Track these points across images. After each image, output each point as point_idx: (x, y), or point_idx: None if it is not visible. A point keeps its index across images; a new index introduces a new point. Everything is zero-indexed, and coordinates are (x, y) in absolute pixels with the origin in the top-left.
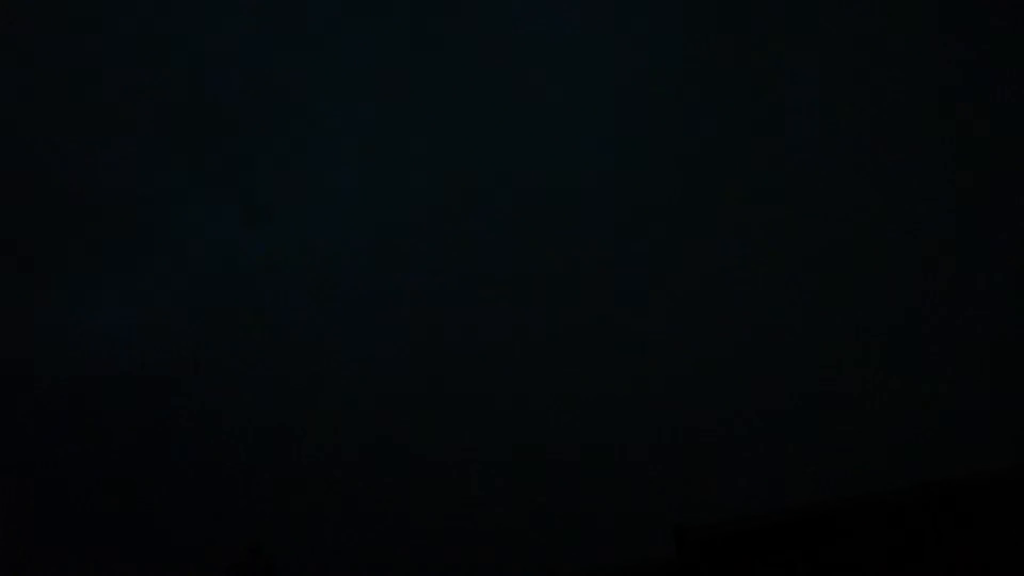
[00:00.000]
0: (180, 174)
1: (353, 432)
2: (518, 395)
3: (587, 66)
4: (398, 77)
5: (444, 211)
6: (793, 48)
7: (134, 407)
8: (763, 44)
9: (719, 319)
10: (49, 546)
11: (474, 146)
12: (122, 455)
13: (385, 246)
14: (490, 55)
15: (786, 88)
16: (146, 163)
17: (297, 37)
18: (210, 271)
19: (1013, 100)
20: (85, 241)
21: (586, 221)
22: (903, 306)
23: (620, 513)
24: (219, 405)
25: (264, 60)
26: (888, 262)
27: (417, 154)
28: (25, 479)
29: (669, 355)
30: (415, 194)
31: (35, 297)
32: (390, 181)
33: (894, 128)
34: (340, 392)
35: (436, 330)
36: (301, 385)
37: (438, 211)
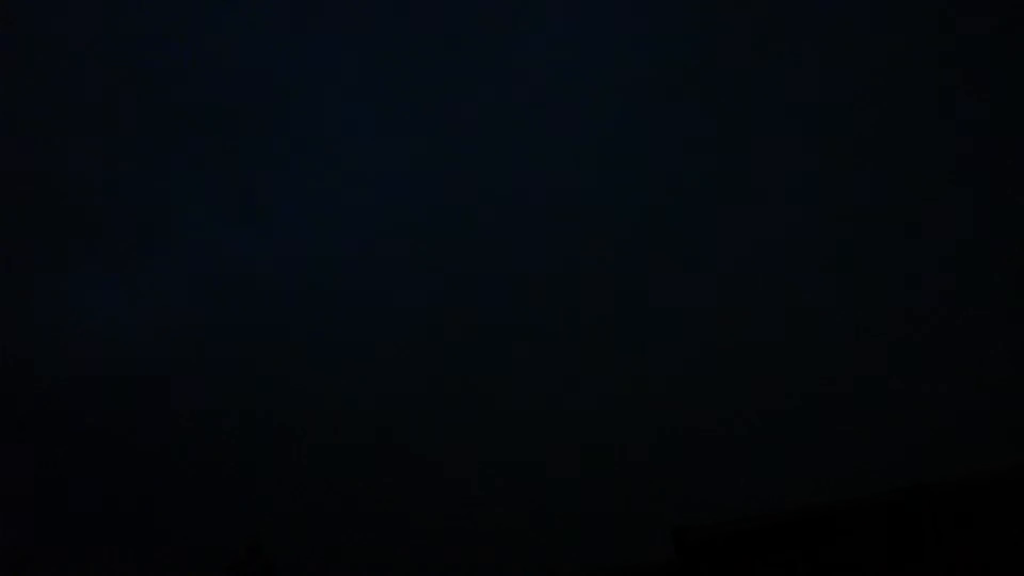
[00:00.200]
0: (180, 174)
1: (353, 431)
2: (518, 396)
3: (587, 67)
4: (398, 78)
5: (444, 211)
6: (793, 49)
7: (133, 405)
8: (763, 45)
9: (719, 319)
10: (49, 544)
11: (474, 146)
12: (121, 454)
13: (384, 246)
14: (490, 55)
15: (786, 90)
16: (146, 164)
17: (297, 38)
18: (209, 270)
19: (1013, 102)
20: (85, 240)
21: (586, 222)
22: (903, 307)
23: (619, 514)
24: (218, 404)
25: (265, 61)
26: (888, 263)
27: (417, 155)
28: (25, 476)
29: (669, 355)
30: (415, 194)
31: (35, 296)
32: (390, 182)
33: (894, 129)
34: (340, 391)
35: (436, 330)
36: (300, 384)
37: (438, 211)
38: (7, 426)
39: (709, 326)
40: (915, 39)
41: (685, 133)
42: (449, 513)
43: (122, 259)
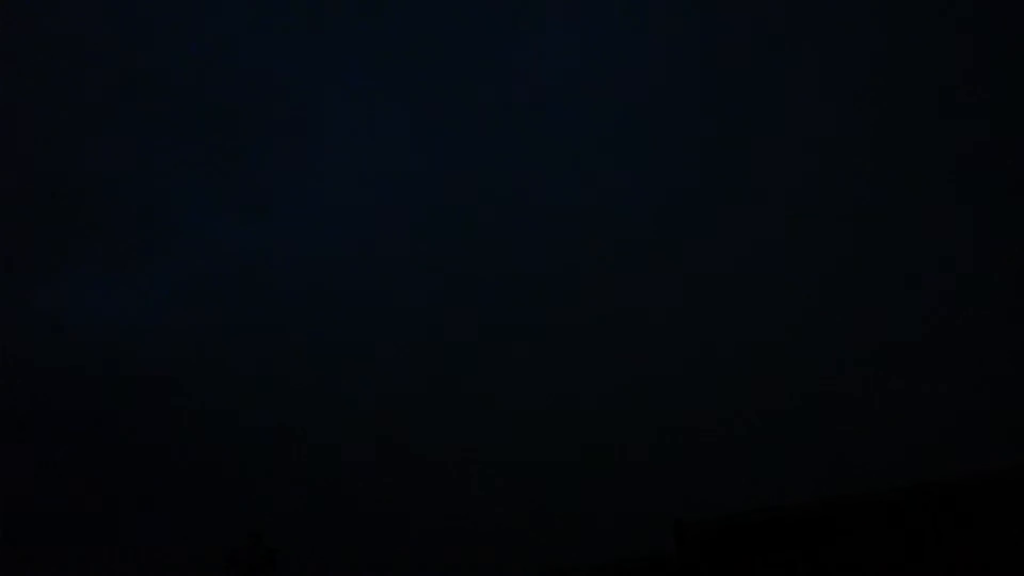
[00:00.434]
0: (181, 169)
1: (354, 426)
2: (519, 394)
3: (587, 67)
4: (399, 76)
5: (445, 209)
6: (794, 52)
7: (134, 400)
8: (764, 48)
9: (720, 319)
10: (51, 535)
11: (475, 145)
12: (123, 447)
13: (385, 244)
14: (492, 55)
15: (786, 92)
16: (148, 162)
17: (298, 34)
18: (210, 268)
19: (1012, 104)
20: (85, 238)
21: (586, 221)
22: (903, 307)
23: (620, 509)
24: (219, 398)
25: (267, 60)
26: (888, 263)
27: (419, 152)
28: (26, 470)
29: (670, 355)
30: (416, 191)
31: (36, 293)
32: (391, 180)
33: (893, 131)
34: (341, 386)
35: (436, 328)
36: (301, 379)
37: (439, 209)
38: (9, 421)
39: (710, 326)
40: (915, 40)
41: (684, 135)
42: (450, 508)
43: (123, 257)
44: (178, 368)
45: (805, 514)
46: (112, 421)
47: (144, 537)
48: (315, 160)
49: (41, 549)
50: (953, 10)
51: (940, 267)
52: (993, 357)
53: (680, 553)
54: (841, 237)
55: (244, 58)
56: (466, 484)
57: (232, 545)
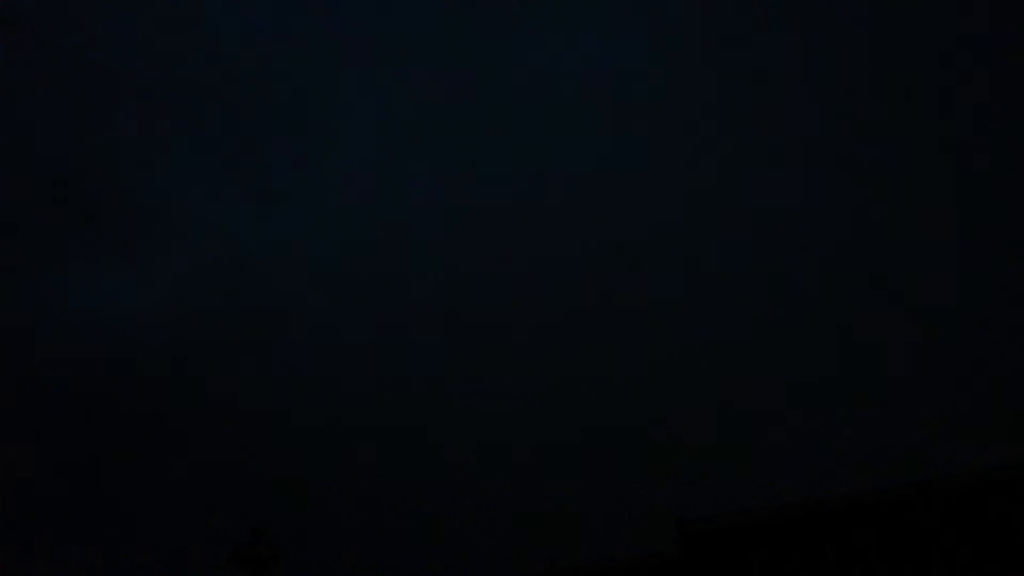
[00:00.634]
0: (186, 160)
1: (358, 419)
2: (519, 394)
3: (587, 68)
4: (406, 68)
5: (450, 205)
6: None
7: (135, 392)
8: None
9: (721, 319)
10: (51, 531)
11: (478, 144)
12: (125, 439)
13: (392, 235)
14: (495, 55)
15: (786, 94)
16: (151, 149)
17: (307, 22)
18: (214, 258)
19: (1012, 108)
20: (87, 227)
21: (587, 221)
22: (903, 307)
23: (622, 509)
24: (223, 390)
25: (275, 45)
26: (888, 263)
27: (427, 145)
28: (27, 463)
29: (671, 354)
30: (423, 184)
31: (37, 281)
32: (395, 169)
33: (892, 132)
34: (344, 379)
35: (438, 325)
36: (305, 371)
37: (444, 204)
38: (8, 409)
39: (711, 325)
40: (914, 42)
41: (685, 136)
42: (453, 506)
43: (126, 248)
44: (180, 361)
45: (806, 511)
46: (114, 415)
47: (145, 533)
48: (321, 151)
49: (41, 546)
50: (953, 10)
51: (940, 269)
52: (993, 357)
53: (682, 552)
54: (841, 237)
55: (250, 49)
56: (466, 484)
57: (235, 541)
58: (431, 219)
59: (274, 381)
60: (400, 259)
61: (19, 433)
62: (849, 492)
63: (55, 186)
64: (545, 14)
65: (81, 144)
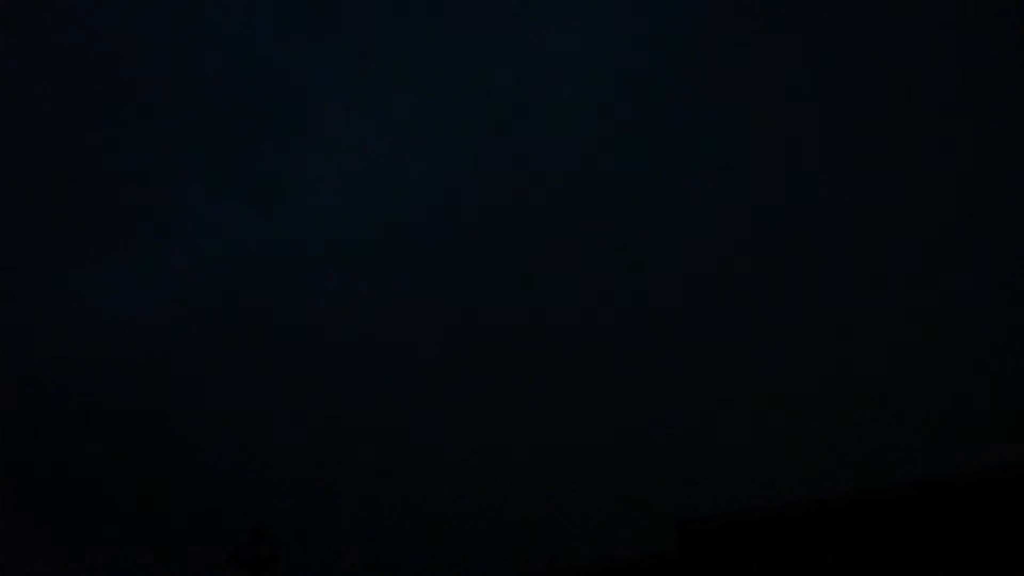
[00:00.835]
0: (184, 160)
1: (358, 419)
2: (519, 394)
3: (587, 68)
4: (405, 66)
5: (448, 204)
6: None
7: (136, 390)
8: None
9: (721, 319)
10: (52, 531)
11: (476, 142)
12: (125, 439)
13: (389, 234)
14: (495, 55)
15: (786, 94)
16: (150, 150)
17: (304, 24)
18: (213, 257)
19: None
20: (87, 227)
21: (587, 220)
22: (903, 307)
23: (622, 509)
24: (222, 389)
25: (275, 45)
26: (888, 263)
27: (422, 146)
28: (27, 461)
29: (671, 354)
30: (424, 184)
31: (37, 281)
32: (393, 170)
33: (892, 132)
34: (343, 378)
35: (438, 325)
36: (305, 370)
37: (444, 204)
38: (10, 414)
39: (711, 326)
40: (915, 43)
41: (684, 136)
42: (453, 507)
43: (125, 248)
44: (180, 361)
45: (805, 511)
46: (114, 415)
47: (145, 533)
48: (321, 151)
49: (42, 545)
50: (953, 10)
51: (940, 269)
52: (993, 357)
53: (682, 552)
54: (841, 238)
55: (247, 51)
56: (467, 483)
57: (235, 541)
58: (431, 219)
59: (274, 381)
60: (400, 259)
61: (19, 433)
62: (849, 492)
63: (55, 186)
64: (545, 14)
65: (81, 144)
